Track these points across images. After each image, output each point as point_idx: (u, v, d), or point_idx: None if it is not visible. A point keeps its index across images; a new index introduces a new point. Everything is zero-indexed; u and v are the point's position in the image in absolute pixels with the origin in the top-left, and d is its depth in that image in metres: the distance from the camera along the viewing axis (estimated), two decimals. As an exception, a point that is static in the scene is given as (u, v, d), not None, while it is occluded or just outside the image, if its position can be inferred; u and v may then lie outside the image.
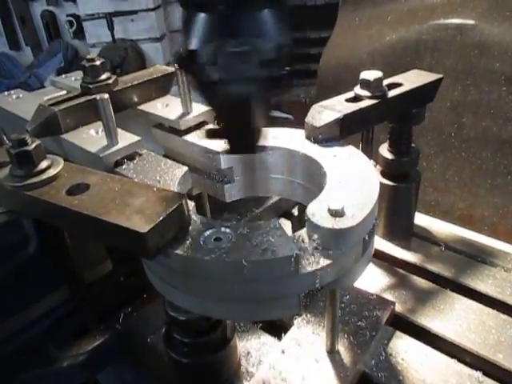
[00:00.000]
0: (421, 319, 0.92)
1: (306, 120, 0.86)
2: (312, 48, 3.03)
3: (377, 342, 0.86)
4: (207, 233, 0.63)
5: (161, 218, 0.59)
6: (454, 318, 0.91)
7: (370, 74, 0.89)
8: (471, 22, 1.34)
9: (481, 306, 0.94)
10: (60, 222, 0.70)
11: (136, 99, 1.02)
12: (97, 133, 0.91)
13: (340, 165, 0.78)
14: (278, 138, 0.87)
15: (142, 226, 0.58)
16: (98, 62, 0.95)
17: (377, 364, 0.82)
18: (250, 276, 0.59)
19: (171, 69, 1.07)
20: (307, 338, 0.85)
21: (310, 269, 0.61)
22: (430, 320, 0.91)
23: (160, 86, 1.05)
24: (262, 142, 0.75)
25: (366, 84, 0.89)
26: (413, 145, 1.06)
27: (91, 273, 0.89)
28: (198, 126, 0.96)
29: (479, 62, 1.36)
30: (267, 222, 0.66)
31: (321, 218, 0.64)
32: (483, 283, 0.99)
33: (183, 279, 0.64)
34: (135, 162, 0.85)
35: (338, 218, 0.64)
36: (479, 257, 1.06)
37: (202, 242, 0.62)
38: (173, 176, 0.79)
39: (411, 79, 0.98)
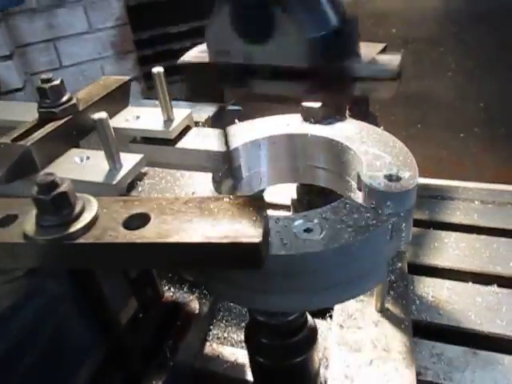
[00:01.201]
0: (426, 260, 1.02)
1: (302, 104, 0.88)
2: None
3: (408, 289, 0.93)
4: (294, 228, 0.62)
5: (264, 224, 0.56)
6: (450, 250, 1.04)
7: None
8: (365, -6, 1.49)
9: (463, 234, 1.08)
10: (123, 262, 0.60)
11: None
12: (82, 160, 0.79)
13: (357, 137, 0.81)
14: (281, 126, 0.87)
15: (251, 236, 0.54)
16: (57, 82, 0.82)
17: (418, 309, 0.90)
18: (357, 255, 0.60)
19: (125, 78, 0.98)
20: (355, 306, 0.89)
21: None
22: (433, 258, 1.03)
23: (120, 99, 0.95)
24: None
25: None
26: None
27: (122, 314, 0.79)
28: (184, 132, 0.90)
29: (378, 30, 1.51)
30: (335, 203, 0.67)
31: (386, 186, 0.67)
32: (454, 216, 1.14)
33: (284, 280, 0.61)
34: (146, 181, 0.77)
35: (399, 182, 0.68)
36: (438, 196, 1.21)
37: (297, 238, 0.60)
38: (204, 185, 0.74)
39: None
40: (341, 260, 0.61)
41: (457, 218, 1.13)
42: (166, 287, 0.94)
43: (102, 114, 0.71)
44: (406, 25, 1.48)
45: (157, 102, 0.90)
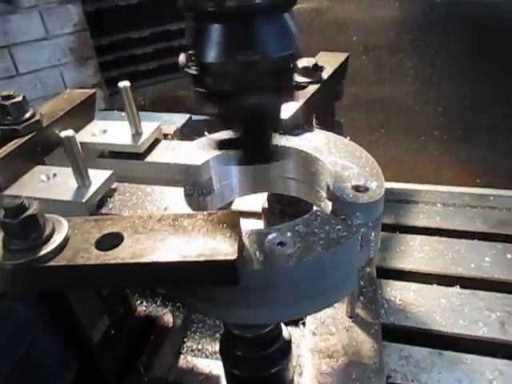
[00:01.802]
0: (393, 263, 1.06)
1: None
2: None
3: (376, 294, 0.96)
4: (268, 241, 0.63)
5: (239, 240, 0.57)
6: (415, 253, 1.08)
7: (305, 61, 0.96)
8: (325, 4, 1.52)
9: (427, 236, 1.13)
10: (96, 283, 0.60)
11: (68, 132, 0.89)
12: (48, 178, 0.77)
13: (325, 147, 0.83)
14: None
15: (226, 253, 0.55)
16: (19, 98, 0.79)
17: (386, 312, 0.93)
18: (330, 267, 0.62)
19: (90, 91, 0.96)
20: (327, 313, 0.91)
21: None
22: (400, 261, 1.06)
23: (86, 112, 0.93)
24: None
25: (304, 70, 0.96)
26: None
27: (95, 332, 0.77)
28: (153, 146, 0.89)
29: (339, 38, 1.55)
30: (306, 216, 0.68)
31: (354, 196, 0.69)
32: (418, 219, 1.18)
33: (259, 294, 0.62)
34: (116, 197, 0.76)
35: (366, 193, 0.70)
36: (403, 199, 1.25)
37: (271, 252, 0.61)
38: (175, 199, 0.74)
39: (327, 60, 1.08)
40: (314, 272, 0.62)
41: (420, 221, 1.17)
42: (139, 301, 0.93)
43: (69, 132, 0.69)
44: (365, 33, 1.52)
45: (123, 114, 0.89)
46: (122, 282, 0.61)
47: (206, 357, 0.91)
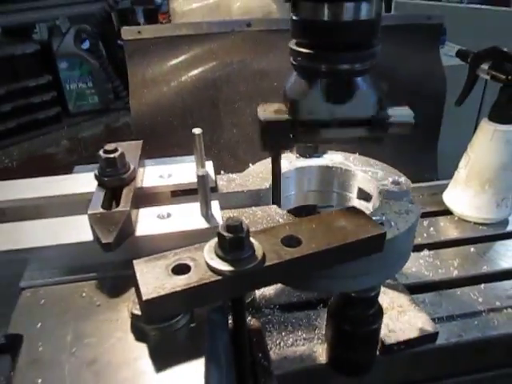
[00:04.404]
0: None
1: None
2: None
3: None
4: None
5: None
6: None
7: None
8: (249, 56, 1.85)
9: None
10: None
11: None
12: (162, 217, 0.88)
13: (347, 162, 1.13)
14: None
15: (377, 228, 0.79)
16: (121, 150, 0.88)
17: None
18: (413, 234, 0.91)
19: (139, 142, 1.06)
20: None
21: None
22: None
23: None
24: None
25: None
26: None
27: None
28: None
29: (263, 84, 1.89)
30: (379, 204, 0.96)
31: (398, 187, 1.00)
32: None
33: (378, 261, 0.87)
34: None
35: (402, 184, 1.02)
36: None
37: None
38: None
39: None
40: (408, 240, 0.90)
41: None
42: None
43: (203, 171, 0.84)
44: (284, 78, 1.88)
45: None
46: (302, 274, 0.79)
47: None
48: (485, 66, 1.37)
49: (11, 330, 0.70)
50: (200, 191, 0.85)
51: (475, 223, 1.49)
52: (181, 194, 1.02)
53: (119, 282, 0.80)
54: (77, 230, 0.83)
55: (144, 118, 1.82)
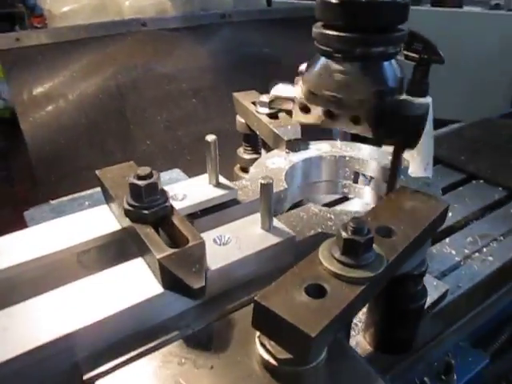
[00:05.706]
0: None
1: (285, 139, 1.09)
2: None
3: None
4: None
5: (434, 196, 0.83)
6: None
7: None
8: (153, 59, 1.70)
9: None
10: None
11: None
12: (219, 242, 0.75)
13: (337, 149, 1.12)
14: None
15: (441, 204, 0.81)
16: (155, 178, 0.70)
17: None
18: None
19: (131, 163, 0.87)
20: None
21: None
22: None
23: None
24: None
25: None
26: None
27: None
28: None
29: (171, 87, 1.77)
30: (401, 189, 0.98)
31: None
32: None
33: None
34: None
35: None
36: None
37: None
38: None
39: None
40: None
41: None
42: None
43: (267, 179, 0.73)
44: (192, 79, 1.78)
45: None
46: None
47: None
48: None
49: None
50: (263, 202, 0.74)
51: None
52: (200, 215, 0.87)
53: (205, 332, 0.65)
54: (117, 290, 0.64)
55: (43, 143, 1.51)
